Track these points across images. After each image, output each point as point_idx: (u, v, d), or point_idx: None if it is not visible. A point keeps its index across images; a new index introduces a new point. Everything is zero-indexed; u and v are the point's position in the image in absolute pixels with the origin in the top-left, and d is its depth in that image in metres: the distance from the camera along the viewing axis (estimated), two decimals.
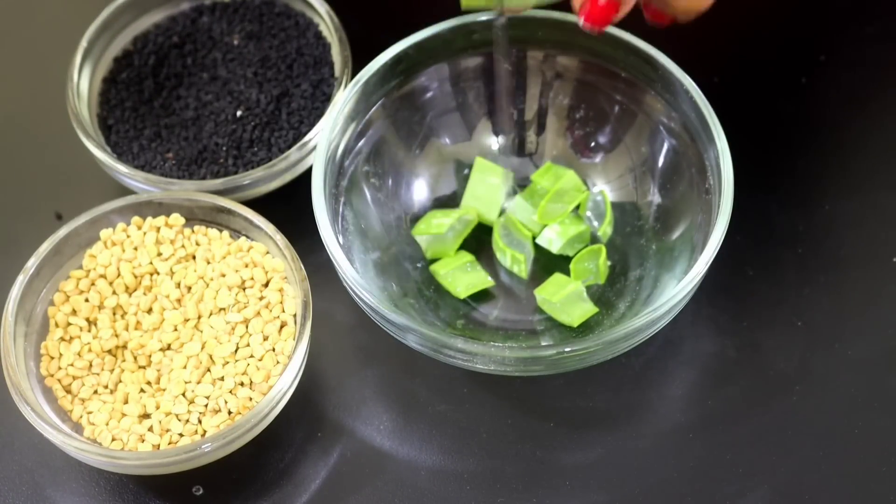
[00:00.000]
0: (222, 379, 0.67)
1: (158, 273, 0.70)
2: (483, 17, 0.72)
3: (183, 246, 0.70)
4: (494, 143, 0.75)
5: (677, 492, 0.67)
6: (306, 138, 0.73)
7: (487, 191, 0.74)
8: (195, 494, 0.67)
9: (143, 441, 0.65)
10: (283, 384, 0.65)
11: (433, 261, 0.73)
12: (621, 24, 0.71)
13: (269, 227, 0.69)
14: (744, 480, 0.67)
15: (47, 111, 0.79)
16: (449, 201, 0.75)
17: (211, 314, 0.68)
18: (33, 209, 0.77)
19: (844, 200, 0.75)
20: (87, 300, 0.69)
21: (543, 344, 0.70)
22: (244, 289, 0.69)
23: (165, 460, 0.64)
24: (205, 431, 0.65)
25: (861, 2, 0.83)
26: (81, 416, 0.66)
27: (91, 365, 0.67)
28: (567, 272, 0.72)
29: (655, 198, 0.73)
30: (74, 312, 0.69)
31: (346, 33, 0.76)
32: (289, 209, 0.72)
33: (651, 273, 0.71)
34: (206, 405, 0.66)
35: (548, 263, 0.73)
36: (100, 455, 0.64)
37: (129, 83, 0.77)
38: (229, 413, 0.65)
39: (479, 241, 0.74)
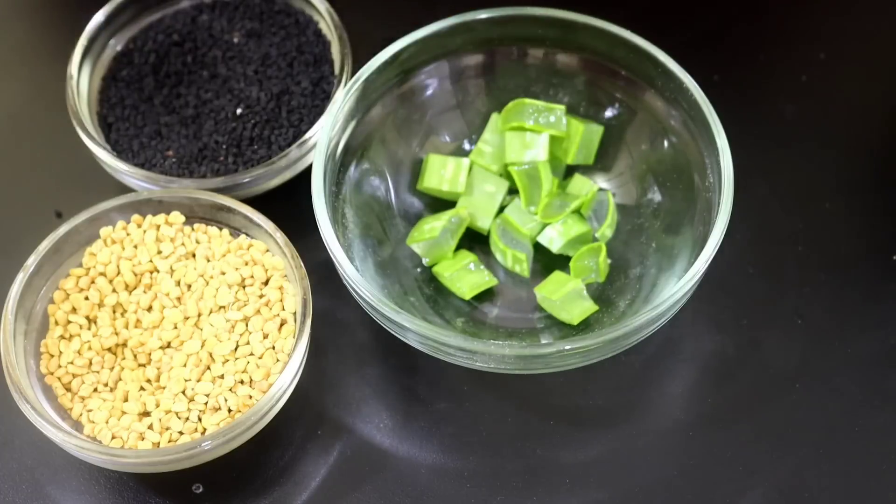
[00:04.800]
0: (222, 377, 0.67)
1: (158, 271, 0.70)
2: (483, 15, 0.72)
3: (183, 244, 0.70)
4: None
5: (677, 490, 0.67)
6: (306, 136, 0.73)
7: (482, 199, 0.74)
8: (195, 492, 0.67)
9: (142, 439, 0.65)
10: (282, 382, 0.65)
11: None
12: (621, 23, 0.72)
13: (269, 225, 0.69)
14: (744, 478, 0.67)
15: (47, 109, 0.79)
16: (448, 199, 0.74)
17: (211, 312, 0.68)
18: (33, 207, 0.77)
19: (844, 198, 0.76)
20: (87, 298, 0.69)
21: (543, 342, 0.70)
22: (244, 287, 0.69)
23: (165, 458, 0.64)
24: (205, 429, 0.65)
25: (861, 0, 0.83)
26: (81, 414, 0.66)
27: (91, 363, 0.67)
28: (567, 270, 0.72)
29: (656, 196, 0.73)
30: (74, 310, 0.69)
31: (346, 31, 0.76)
32: (289, 207, 0.72)
33: (651, 271, 0.71)
34: (205, 403, 0.66)
35: (548, 262, 0.73)
36: (100, 453, 0.64)
37: (129, 81, 0.77)
38: (229, 411, 0.65)
39: (475, 241, 0.74)
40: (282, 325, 0.68)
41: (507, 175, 0.74)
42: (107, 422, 0.66)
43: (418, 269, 0.73)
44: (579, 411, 0.69)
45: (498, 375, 0.69)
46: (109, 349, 0.68)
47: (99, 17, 0.77)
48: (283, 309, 0.68)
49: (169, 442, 0.65)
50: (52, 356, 0.68)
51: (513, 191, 0.74)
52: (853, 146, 0.78)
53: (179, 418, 0.66)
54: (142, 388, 0.67)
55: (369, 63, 0.71)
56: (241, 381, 0.66)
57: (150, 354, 0.68)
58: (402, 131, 0.74)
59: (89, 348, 0.68)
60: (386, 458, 0.68)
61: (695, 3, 0.84)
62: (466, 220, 0.73)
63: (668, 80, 0.71)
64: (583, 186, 0.73)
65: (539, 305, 0.71)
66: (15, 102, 0.82)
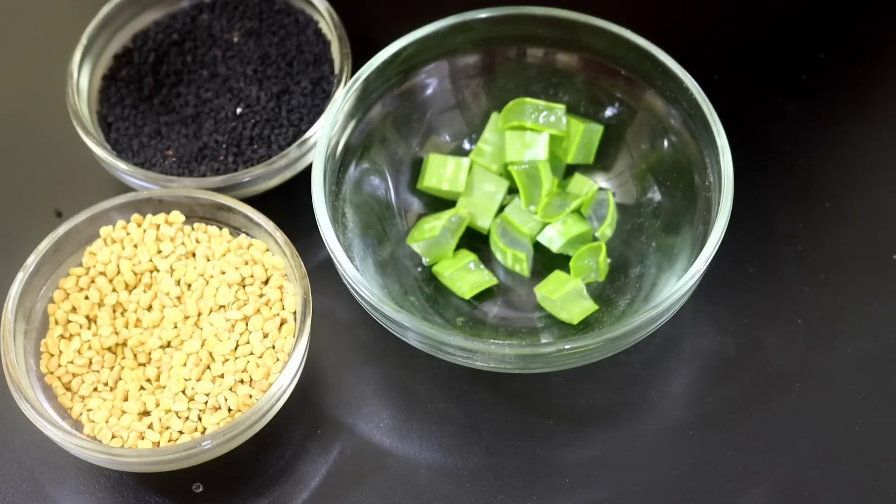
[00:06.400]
0: (222, 376, 0.67)
1: (158, 270, 0.70)
2: (483, 15, 0.72)
3: (183, 243, 0.70)
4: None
5: (677, 489, 0.67)
6: (306, 136, 0.73)
7: (482, 198, 0.74)
8: (195, 492, 0.67)
9: (142, 438, 0.65)
10: (282, 381, 0.65)
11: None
12: (621, 22, 0.72)
13: (268, 225, 0.69)
14: (744, 478, 0.67)
15: (47, 108, 0.79)
16: (448, 199, 0.74)
17: (211, 311, 0.68)
18: (33, 207, 0.77)
19: (844, 198, 0.75)
20: (86, 297, 0.69)
21: (543, 341, 0.70)
22: (244, 286, 0.69)
23: (165, 458, 0.64)
24: (205, 429, 0.65)
25: None
26: (81, 414, 0.66)
27: (91, 362, 0.67)
28: (567, 269, 0.72)
29: (656, 195, 0.73)
30: (74, 310, 0.69)
31: (346, 30, 0.76)
32: (289, 206, 0.72)
33: (651, 270, 0.71)
34: (205, 402, 0.66)
35: (548, 261, 0.73)
36: (100, 452, 0.64)
37: (128, 80, 0.77)
38: (229, 410, 0.65)
39: (475, 240, 0.74)
40: (282, 324, 0.68)
41: (507, 174, 0.74)
42: (107, 421, 0.66)
43: (418, 269, 0.73)
44: (579, 410, 0.69)
45: (498, 375, 0.69)
46: (109, 348, 0.68)
47: (99, 17, 0.77)
48: (283, 308, 0.68)
49: (169, 441, 0.65)
50: (52, 355, 0.68)
51: (513, 190, 0.74)
52: (853, 144, 0.78)
53: (179, 418, 0.66)
54: (142, 388, 0.67)
55: (369, 63, 0.71)
56: (241, 381, 0.66)
57: (150, 354, 0.68)
58: (402, 131, 0.74)
59: (89, 348, 0.68)
60: (386, 457, 0.68)
61: (695, 3, 0.84)
62: (466, 220, 0.73)
63: (668, 80, 0.71)
64: (583, 186, 0.73)
65: (539, 305, 0.71)
66: (15, 101, 0.82)
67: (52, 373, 0.67)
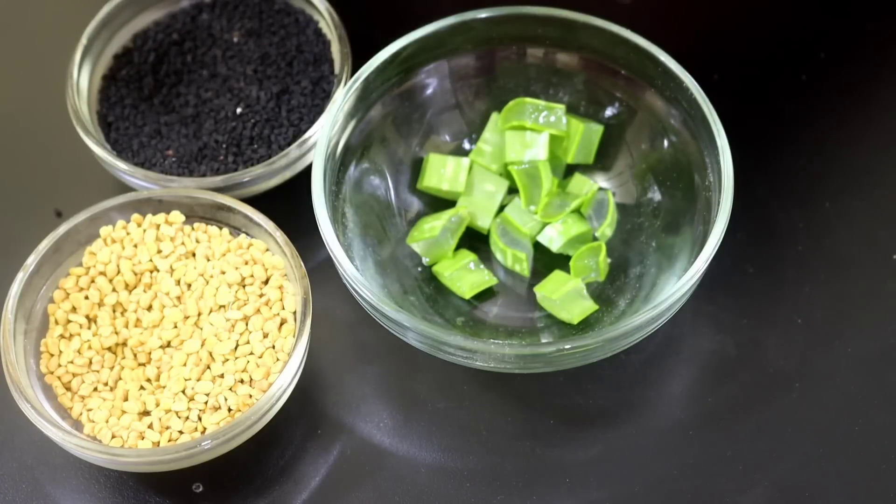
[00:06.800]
0: (222, 376, 0.67)
1: (158, 270, 0.70)
2: (483, 15, 0.72)
3: (183, 243, 0.70)
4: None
5: (677, 489, 0.67)
6: (306, 135, 0.73)
7: (482, 198, 0.74)
8: (195, 491, 0.67)
9: (142, 438, 0.65)
10: (282, 381, 0.65)
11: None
12: (621, 22, 0.72)
13: (268, 225, 0.69)
14: (744, 477, 0.67)
15: (47, 108, 0.79)
16: (448, 199, 0.74)
17: (211, 311, 0.68)
18: (33, 206, 0.77)
19: (845, 198, 0.75)
20: (86, 297, 0.69)
21: (543, 341, 0.70)
22: (244, 286, 0.69)
23: (165, 457, 0.64)
24: (204, 429, 0.65)
25: None
26: (81, 414, 0.66)
27: (91, 362, 0.67)
28: (567, 269, 0.72)
29: (656, 195, 0.73)
30: (74, 310, 0.69)
31: (346, 30, 0.76)
32: (289, 206, 0.72)
33: (651, 270, 0.71)
34: (205, 402, 0.66)
35: (548, 261, 0.73)
36: (100, 452, 0.64)
37: (128, 80, 0.77)
38: (229, 410, 0.65)
39: (475, 240, 0.74)
40: (282, 324, 0.68)
41: (507, 174, 0.74)
42: (107, 421, 0.66)
43: (418, 269, 0.73)
44: (579, 410, 0.69)
45: (498, 375, 0.69)
46: (109, 348, 0.68)
47: (99, 17, 0.77)
48: (283, 308, 0.68)
49: (169, 441, 0.65)
50: (52, 355, 0.68)
51: (513, 190, 0.74)
52: (853, 144, 0.78)
53: (179, 417, 0.66)
54: (142, 388, 0.67)
55: (369, 62, 0.71)
56: (241, 381, 0.66)
57: (150, 354, 0.68)
58: (402, 131, 0.74)
59: (89, 347, 0.68)
60: (386, 457, 0.68)
61: (695, 3, 0.84)
62: (466, 220, 0.73)
63: (667, 80, 0.71)
64: (583, 186, 0.73)
65: (539, 305, 0.71)
66: (15, 101, 0.82)
67: (52, 373, 0.67)
